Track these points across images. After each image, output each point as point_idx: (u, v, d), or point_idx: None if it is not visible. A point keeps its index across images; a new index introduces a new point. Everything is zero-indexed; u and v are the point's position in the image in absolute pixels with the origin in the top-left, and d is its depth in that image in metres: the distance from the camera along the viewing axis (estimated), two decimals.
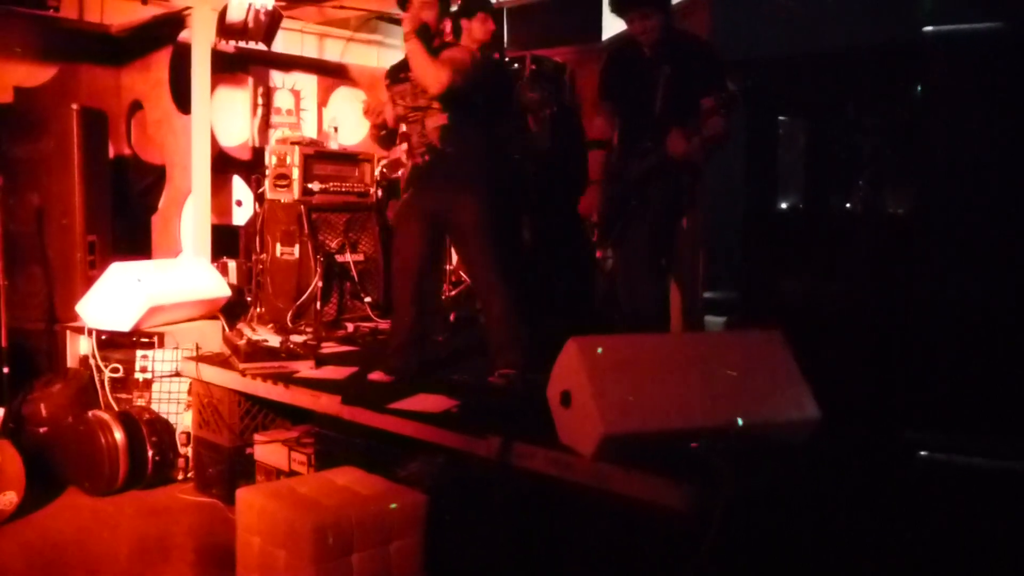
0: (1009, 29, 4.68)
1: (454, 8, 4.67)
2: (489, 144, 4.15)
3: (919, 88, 5.33)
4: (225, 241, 6.26)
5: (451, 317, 5.53)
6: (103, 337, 4.86)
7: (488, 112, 4.19)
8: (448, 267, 5.64)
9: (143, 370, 4.75)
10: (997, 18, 4.71)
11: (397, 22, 4.03)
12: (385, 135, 4.39)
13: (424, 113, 4.05)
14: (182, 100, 6.01)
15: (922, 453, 3.75)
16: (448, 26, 4.12)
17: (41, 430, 4.64)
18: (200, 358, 4.61)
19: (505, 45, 5.54)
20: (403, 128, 4.33)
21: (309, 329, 5.27)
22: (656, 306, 4.00)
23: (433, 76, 3.84)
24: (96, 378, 4.81)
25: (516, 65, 5.79)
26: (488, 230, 4.01)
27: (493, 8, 5.13)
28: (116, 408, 4.69)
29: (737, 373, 2.98)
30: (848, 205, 6.21)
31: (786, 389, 3.02)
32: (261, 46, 6.06)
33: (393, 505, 3.15)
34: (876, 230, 5.70)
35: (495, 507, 3.10)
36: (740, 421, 2.85)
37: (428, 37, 3.94)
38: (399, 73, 4.15)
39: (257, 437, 4.40)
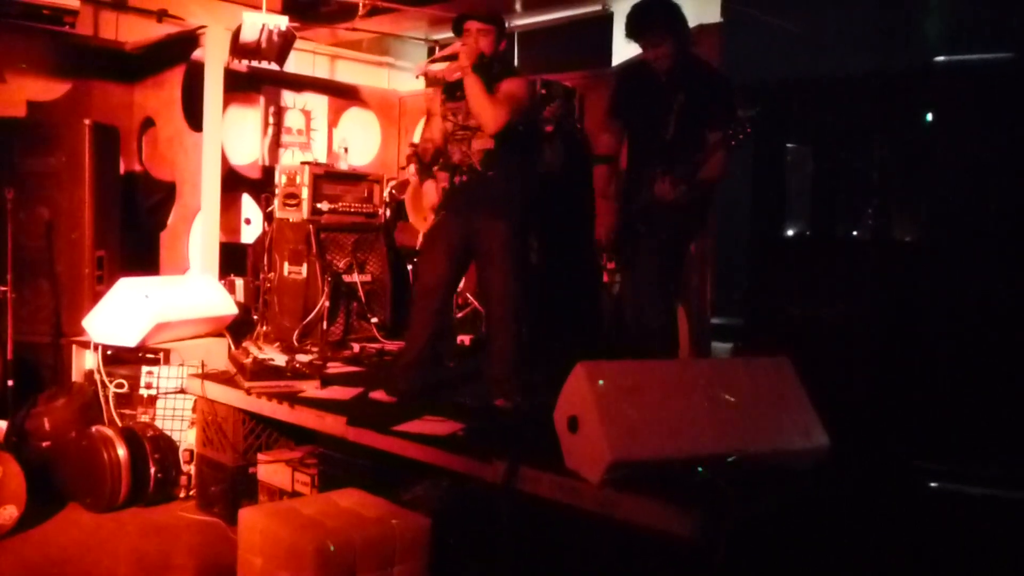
0: (1018, 60, 4.70)
1: None
2: (528, 172, 4.15)
3: (928, 116, 5.34)
4: (233, 259, 6.26)
5: (459, 340, 5.52)
6: (109, 352, 4.86)
7: (529, 139, 4.21)
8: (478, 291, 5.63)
9: (148, 386, 4.74)
10: (1006, 49, 4.73)
11: (412, 45, 4.00)
12: (426, 163, 4.35)
13: (472, 134, 4.03)
14: (194, 118, 6.04)
15: (932, 484, 3.72)
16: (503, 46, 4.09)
17: (44, 444, 4.61)
18: (205, 376, 4.60)
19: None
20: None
21: (315, 349, 5.27)
22: (665, 332, 3.98)
23: (491, 116, 3.85)
24: (101, 393, 4.80)
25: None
26: (512, 261, 4.00)
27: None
28: (120, 424, 4.68)
29: (745, 400, 2.96)
30: (855, 232, 6.22)
31: (794, 416, 3.01)
32: (273, 66, 6.10)
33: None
34: (884, 257, 5.69)
35: (500, 532, 3.08)
36: (746, 449, 2.84)
37: (486, 69, 3.92)
38: (456, 91, 4.10)
39: (261, 457, 4.38)
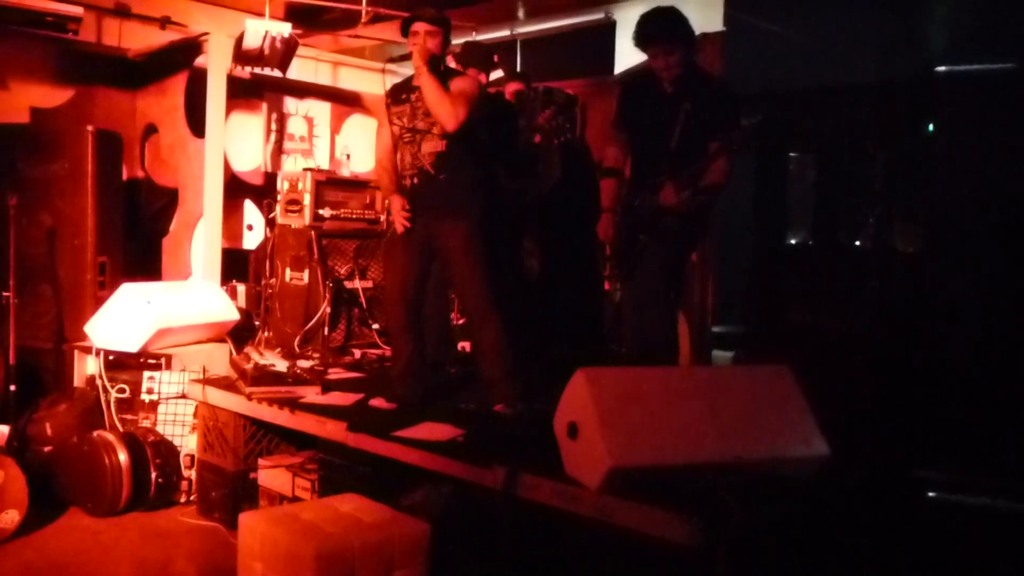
0: (1020, 70, 4.71)
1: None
2: (482, 173, 4.13)
3: (930, 126, 5.35)
4: (235, 265, 6.28)
5: (459, 347, 5.52)
6: (110, 358, 4.87)
7: (487, 143, 4.19)
8: (455, 296, 5.64)
9: (149, 391, 4.74)
10: (1009, 59, 4.74)
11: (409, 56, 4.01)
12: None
13: (421, 136, 4.02)
14: (196, 124, 6.06)
15: (931, 493, 3.71)
16: (450, 52, 4.10)
17: (46, 449, 4.63)
18: (207, 381, 4.60)
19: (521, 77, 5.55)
20: None
21: (316, 355, 5.27)
22: (666, 339, 3.98)
23: (450, 112, 3.83)
24: (102, 399, 4.80)
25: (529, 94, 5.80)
26: (476, 256, 3.98)
27: (489, 60, 5.15)
28: (121, 429, 4.68)
29: (745, 407, 2.96)
30: (857, 241, 6.21)
31: (794, 425, 3.00)
32: (276, 73, 6.12)
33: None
34: (885, 266, 5.69)
35: (500, 538, 3.08)
36: (746, 457, 2.84)
37: (438, 68, 3.95)
38: (401, 94, 4.13)
39: (261, 462, 4.39)
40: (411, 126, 4.05)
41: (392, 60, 4.14)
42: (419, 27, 3.97)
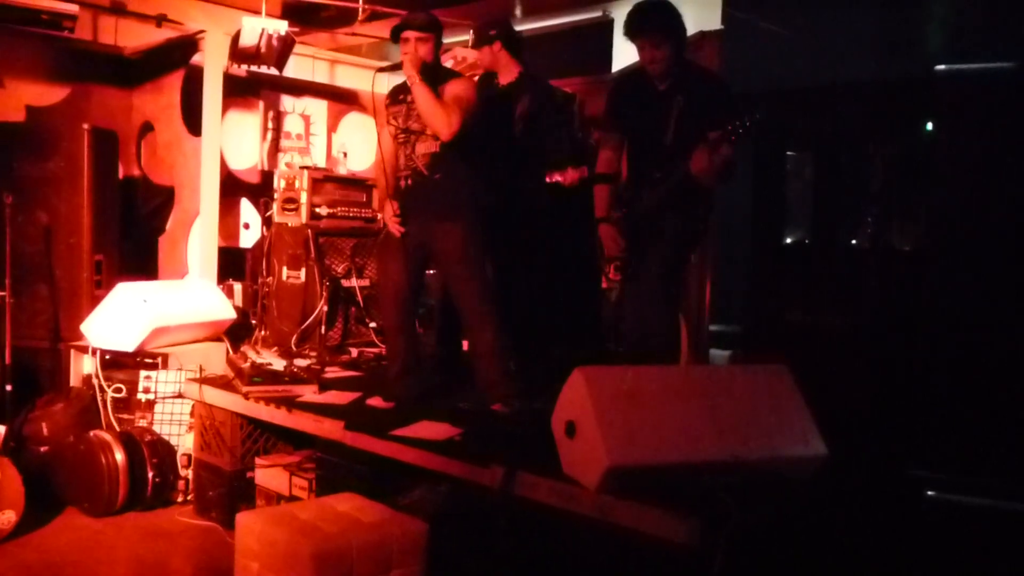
0: (1019, 69, 4.71)
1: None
2: (476, 173, 4.10)
3: (929, 125, 5.35)
4: (232, 263, 6.26)
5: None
6: (107, 357, 4.85)
7: (484, 141, 4.16)
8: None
9: (146, 391, 4.73)
10: (1008, 58, 4.74)
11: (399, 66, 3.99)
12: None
13: (416, 137, 4.01)
14: (193, 122, 6.05)
15: (929, 493, 3.72)
16: (445, 55, 4.06)
17: (42, 449, 4.61)
18: (203, 380, 4.59)
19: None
20: None
21: (313, 353, 5.26)
22: (666, 338, 3.97)
23: (444, 121, 3.82)
24: (99, 398, 4.79)
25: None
26: (471, 259, 3.97)
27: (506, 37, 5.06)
28: (118, 428, 4.67)
29: (743, 407, 2.96)
30: (855, 240, 6.21)
31: (793, 424, 3.00)
32: (273, 71, 6.10)
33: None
34: (884, 265, 5.69)
35: (497, 537, 3.07)
36: (744, 456, 2.83)
37: (431, 75, 3.91)
38: (399, 94, 4.11)
39: (258, 461, 4.38)
40: (405, 127, 4.04)
41: (382, 70, 4.12)
42: (409, 34, 3.95)
